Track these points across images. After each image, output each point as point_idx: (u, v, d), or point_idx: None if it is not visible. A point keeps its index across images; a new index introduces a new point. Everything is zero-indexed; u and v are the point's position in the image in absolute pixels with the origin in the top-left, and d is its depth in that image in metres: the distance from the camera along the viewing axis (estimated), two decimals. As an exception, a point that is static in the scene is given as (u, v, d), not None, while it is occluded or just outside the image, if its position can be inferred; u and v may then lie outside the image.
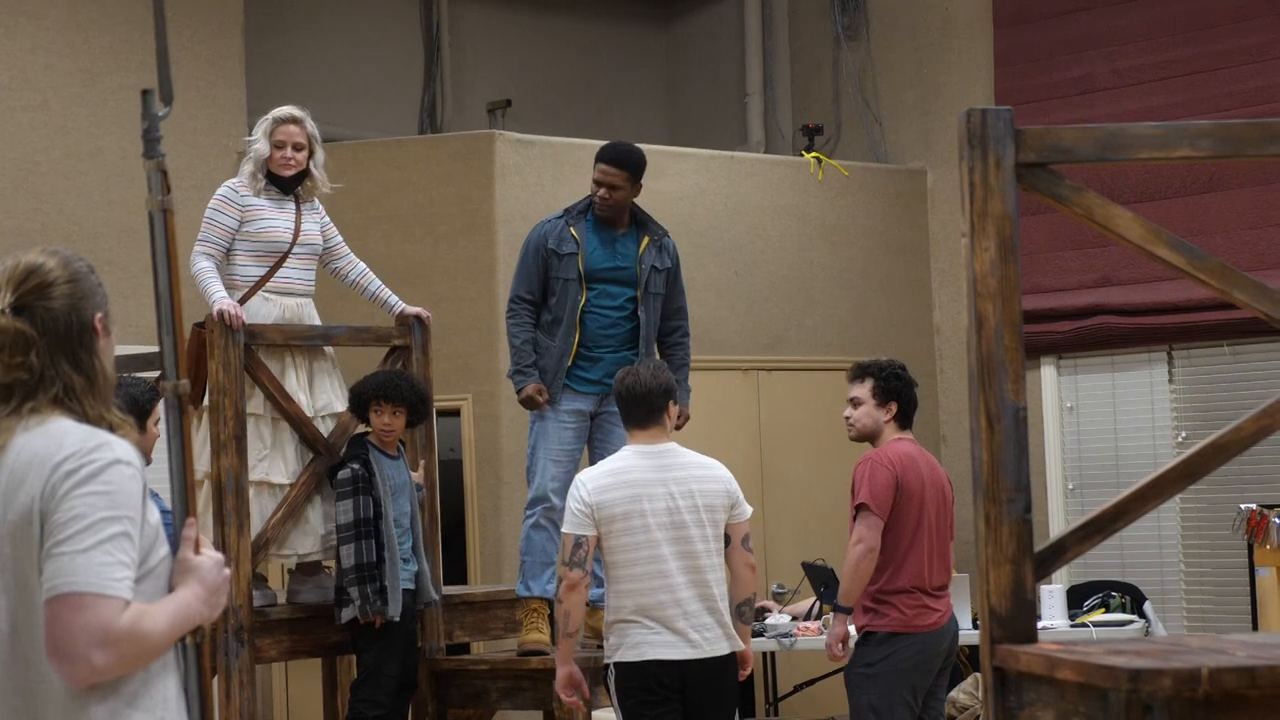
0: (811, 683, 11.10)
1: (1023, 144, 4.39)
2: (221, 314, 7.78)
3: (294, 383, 8.14)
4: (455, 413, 11.00)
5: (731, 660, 7.07)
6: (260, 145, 8.13)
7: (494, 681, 8.43)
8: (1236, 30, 11.64)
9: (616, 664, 7.00)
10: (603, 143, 8.74)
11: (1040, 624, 9.32)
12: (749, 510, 7.20)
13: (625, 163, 8.39)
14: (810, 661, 10.71)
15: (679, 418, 8.38)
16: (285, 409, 8.01)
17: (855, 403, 7.91)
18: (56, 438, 3.23)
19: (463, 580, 10.78)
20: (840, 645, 7.78)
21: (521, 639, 8.43)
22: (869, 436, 7.90)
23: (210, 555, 3.38)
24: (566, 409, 8.30)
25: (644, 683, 6.93)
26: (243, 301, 7.98)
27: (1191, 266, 4.44)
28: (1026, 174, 4.40)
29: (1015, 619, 4.33)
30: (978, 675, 9.48)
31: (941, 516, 7.79)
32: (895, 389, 7.88)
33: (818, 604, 10.18)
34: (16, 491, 3.20)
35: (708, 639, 6.97)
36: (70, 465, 3.18)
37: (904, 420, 7.89)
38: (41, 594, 3.14)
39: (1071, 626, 10.21)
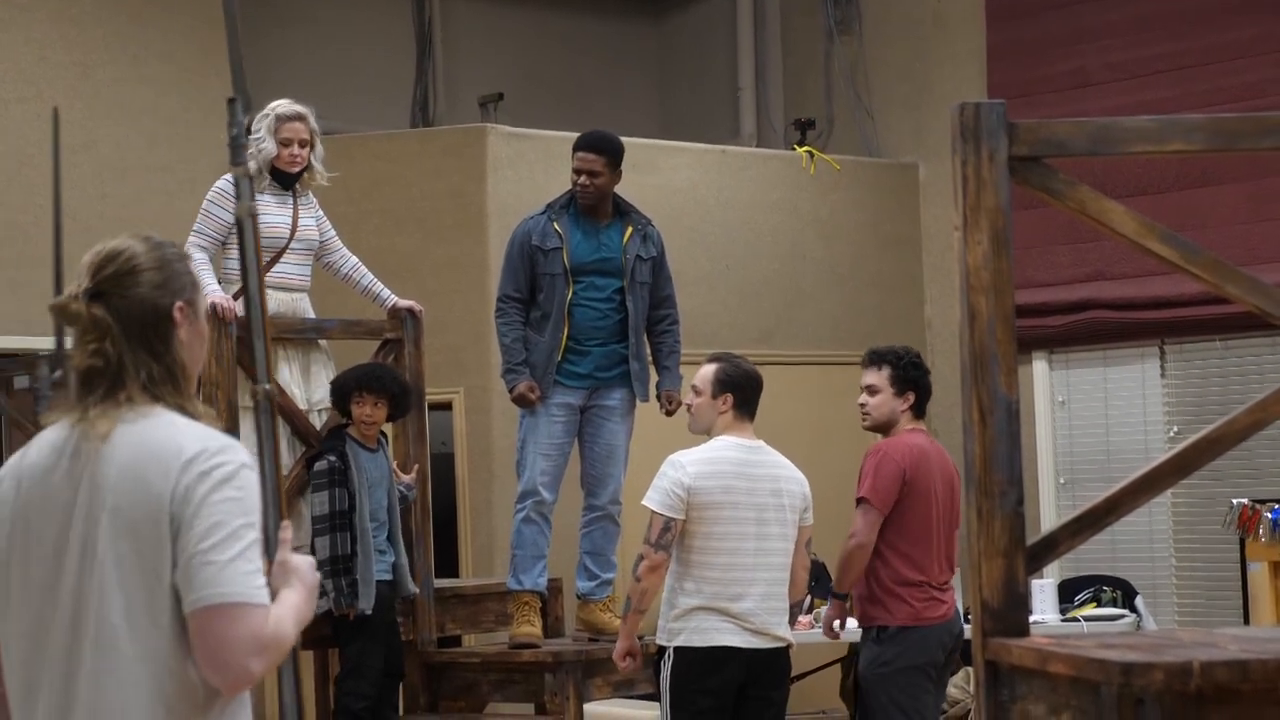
0: (803, 676, 11.10)
1: (1015, 138, 4.39)
2: (214, 306, 7.78)
3: (287, 376, 8.14)
4: (447, 406, 10.99)
5: (786, 654, 7.13)
6: (268, 145, 8.11)
7: (485, 674, 8.43)
8: (1229, 24, 11.64)
9: (678, 649, 6.99)
10: (592, 137, 8.73)
11: (1031, 618, 9.32)
12: (812, 516, 7.26)
13: (602, 148, 8.37)
14: (804, 655, 10.71)
15: (670, 402, 8.40)
16: (278, 402, 8.01)
17: (872, 390, 7.65)
18: (172, 433, 3.25)
19: (454, 573, 10.78)
20: (834, 625, 7.73)
21: (513, 632, 8.43)
22: (884, 426, 7.65)
23: (304, 557, 3.43)
24: (556, 403, 8.30)
25: (704, 669, 6.95)
26: (237, 296, 7.98)
27: (1184, 261, 4.45)
28: (1019, 168, 4.40)
29: (1007, 612, 4.33)
30: (969, 669, 9.48)
31: (950, 509, 7.65)
32: (914, 378, 7.66)
33: (810, 598, 10.18)
34: (136, 486, 3.20)
35: (770, 632, 7.01)
36: (202, 466, 3.20)
37: (919, 410, 7.70)
38: (186, 602, 3.17)
39: (1063, 620, 10.23)
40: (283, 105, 8.23)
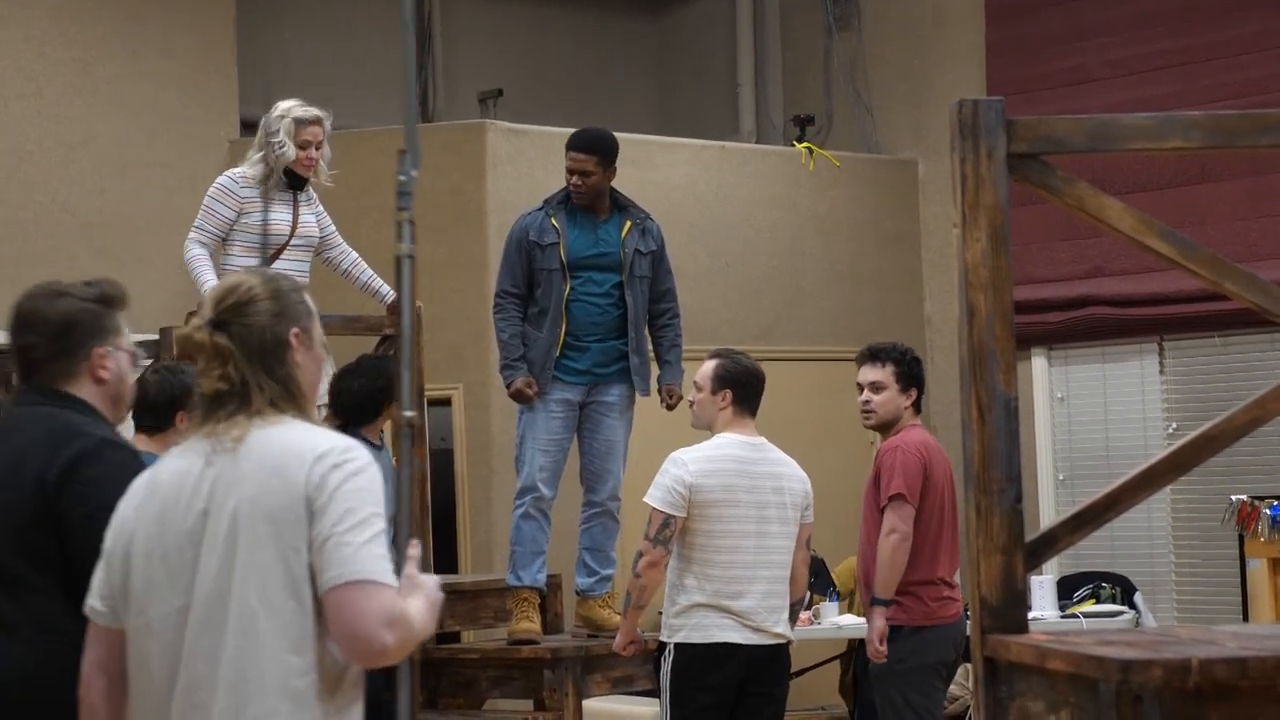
0: (802, 672, 11.11)
1: (1014, 134, 4.39)
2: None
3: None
4: (446, 402, 11.00)
5: (785, 650, 7.13)
6: (289, 149, 8.09)
7: (484, 670, 8.44)
8: (1229, 21, 11.65)
9: (679, 645, 7.00)
10: (590, 133, 8.72)
11: (1030, 615, 9.33)
12: (813, 514, 7.26)
13: (594, 147, 8.36)
14: (802, 652, 10.72)
15: (671, 397, 8.41)
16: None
17: (877, 388, 7.58)
18: (305, 433, 3.60)
19: (453, 569, 10.78)
20: (881, 640, 7.50)
21: (512, 628, 8.43)
22: (889, 424, 7.60)
23: (430, 576, 3.70)
24: (555, 399, 8.30)
25: (705, 666, 6.96)
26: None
27: (1183, 257, 4.45)
28: (1018, 164, 4.40)
29: (1006, 609, 4.33)
30: (967, 666, 9.49)
31: (954, 506, 7.63)
32: (917, 374, 7.63)
33: (808, 594, 10.19)
34: (274, 479, 3.51)
35: (770, 629, 7.02)
36: (333, 460, 3.53)
37: (918, 407, 7.68)
38: (321, 582, 3.46)
39: (1062, 617, 10.24)
40: (299, 108, 8.19)
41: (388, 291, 8.44)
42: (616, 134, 8.65)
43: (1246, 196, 11.44)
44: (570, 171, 8.37)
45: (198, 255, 7.98)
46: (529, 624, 8.38)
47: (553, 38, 14.12)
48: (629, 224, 8.43)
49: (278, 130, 8.13)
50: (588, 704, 8.55)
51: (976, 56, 12.71)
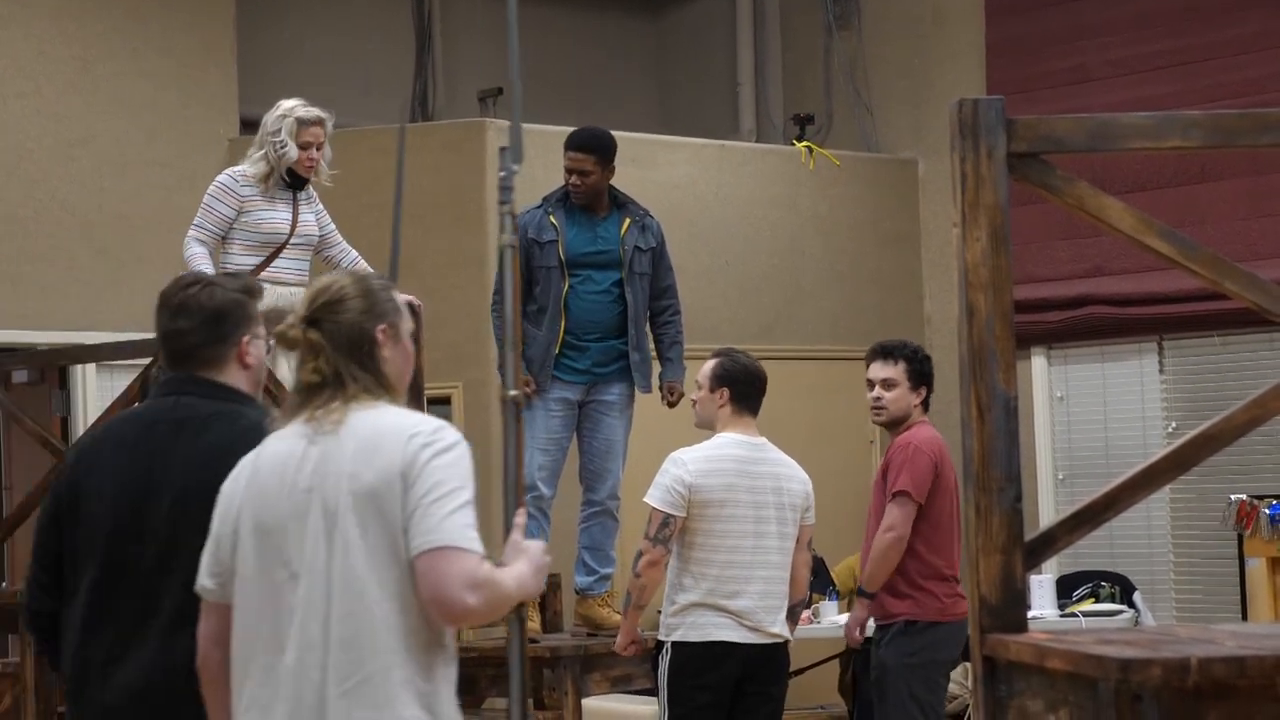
0: (801, 671, 11.11)
1: (1014, 134, 4.39)
2: (213, 301, 7.78)
3: (285, 370, 8.14)
4: (446, 401, 10.99)
5: (783, 649, 7.13)
6: (290, 149, 8.08)
7: (483, 669, 8.43)
8: (1228, 20, 11.65)
9: (676, 644, 7.01)
10: (589, 132, 8.72)
11: (1030, 614, 9.32)
12: (814, 515, 7.27)
13: (592, 147, 8.37)
14: (801, 651, 10.72)
15: (673, 394, 8.41)
16: (276, 396, 8.01)
17: (889, 385, 7.60)
18: (399, 415, 3.92)
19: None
20: (860, 630, 7.66)
21: (511, 627, 8.42)
22: (898, 421, 7.62)
23: (536, 541, 4.02)
24: (555, 398, 8.30)
25: (702, 665, 6.96)
26: (235, 290, 7.98)
27: (1183, 257, 4.45)
28: (1018, 164, 4.40)
29: (1005, 608, 4.33)
30: (966, 664, 9.49)
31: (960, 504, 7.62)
32: (927, 373, 7.65)
33: (808, 594, 10.19)
34: (373, 456, 3.83)
35: (767, 628, 7.02)
36: (424, 439, 3.85)
37: (926, 405, 7.68)
38: (410, 548, 3.78)
39: (1061, 616, 10.23)
40: (302, 108, 8.17)
41: (387, 290, 8.44)
42: (617, 133, 8.65)
43: (1246, 196, 11.44)
44: (569, 171, 8.37)
45: (197, 253, 7.98)
46: (528, 623, 8.36)
47: (553, 37, 14.12)
48: (628, 221, 8.43)
49: (279, 130, 8.11)
50: (587, 703, 8.55)
51: (976, 56, 12.71)
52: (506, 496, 4.11)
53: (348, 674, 3.80)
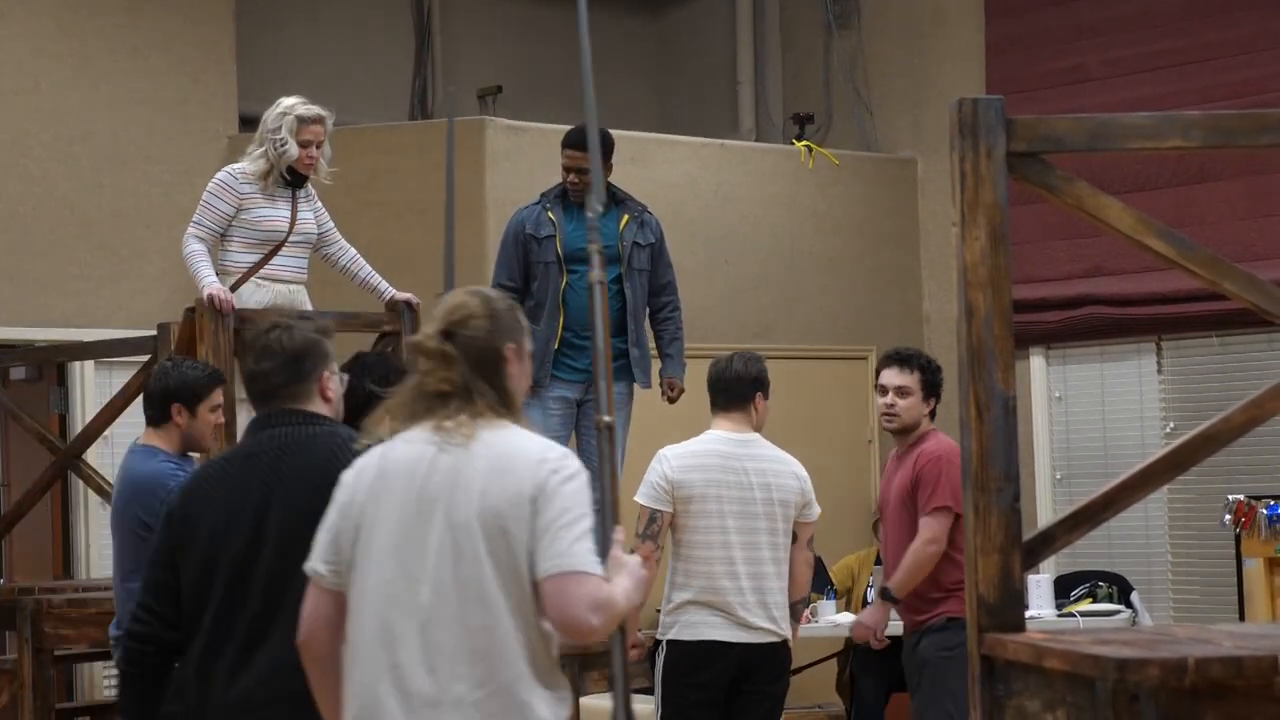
0: (799, 670, 11.11)
1: (1014, 133, 4.39)
2: (211, 298, 7.78)
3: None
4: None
5: (782, 648, 7.13)
6: (291, 148, 8.07)
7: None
8: (1228, 21, 11.65)
9: (670, 642, 7.03)
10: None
11: (1027, 613, 9.31)
12: (818, 510, 7.26)
13: (588, 144, 8.37)
14: (799, 650, 10.73)
15: (673, 389, 8.41)
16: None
17: (904, 392, 7.59)
18: (526, 440, 4.17)
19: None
20: (881, 630, 7.69)
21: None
22: (909, 429, 7.62)
23: (633, 556, 4.27)
24: (554, 397, 8.30)
25: (695, 663, 6.97)
26: (234, 288, 7.97)
27: (1181, 257, 4.45)
28: (1017, 163, 4.41)
29: (1003, 608, 4.34)
30: (965, 664, 9.48)
31: None
32: (939, 384, 7.66)
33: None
34: (504, 477, 4.07)
35: (760, 625, 7.02)
36: (552, 465, 4.10)
37: (933, 415, 7.70)
38: (538, 570, 4.02)
39: (1058, 616, 10.23)
40: (302, 106, 8.16)
41: (386, 288, 8.44)
42: (616, 132, 8.65)
43: (1245, 196, 11.44)
44: (567, 169, 8.37)
45: (196, 250, 7.97)
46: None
47: (552, 35, 14.11)
48: (627, 217, 8.43)
49: (279, 127, 8.11)
50: (585, 701, 8.54)
51: (976, 55, 12.70)
52: (603, 515, 4.30)
53: (480, 683, 4.04)
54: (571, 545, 4.02)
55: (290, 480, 4.75)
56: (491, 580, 4.05)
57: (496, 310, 4.26)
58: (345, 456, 4.47)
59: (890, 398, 7.63)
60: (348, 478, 4.25)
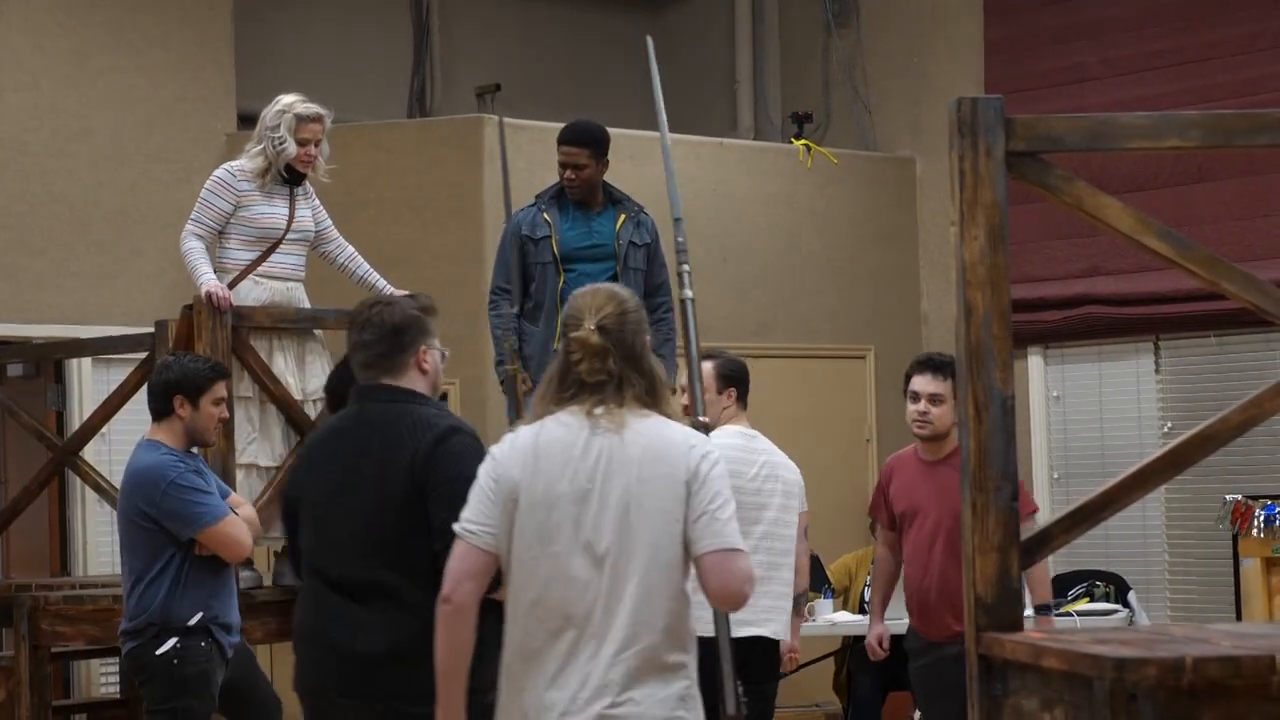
0: (796, 670, 11.11)
1: (1013, 133, 4.39)
2: (209, 296, 7.77)
3: (281, 365, 8.13)
4: (443, 397, 10.97)
5: (773, 646, 7.14)
6: (289, 146, 8.06)
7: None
8: (1227, 20, 11.65)
9: None
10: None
11: (1025, 613, 9.31)
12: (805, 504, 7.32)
13: (585, 140, 8.36)
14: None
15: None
16: (272, 392, 8.01)
17: (936, 400, 7.51)
18: (675, 429, 4.60)
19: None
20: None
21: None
22: (941, 436, 7.53)
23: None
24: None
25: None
26: (232, 285, 7.96)
27: (1180, 257, 4.45)
28: (1016, 163, 4.40)
29: (1000, 607, 4.34)
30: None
31: None
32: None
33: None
34: (658, 462, 4.51)
35: (751, 622, 7.03)
36: (701, 452, 4.55)
37: None
38: (697, 547, 4.48)
39: (1056, 615, 10.23)
40: (301, 104, 8.15)
41: (384, 286, 8.43)
42: (615, 130, 8.64)
43: (1243, 196, 11.44)
44: (563, 166, 8.36)
45: (194, 248, 7.97)
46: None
47: (550, 33, 14.12)
48: (623, 217, 8.43)
49: (278, 125, 8.09)
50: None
51: (975, 54, 12.70)
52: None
53: (625, 645, 4.47)
54: (725, 525, 4.49)
55: (374, 461, 5.26)
56: (647, 558, 4.48)
57: (639, 305, 4.70)
58: (422, 435, 5.16)
59: (923, 405, 7.54)
60: (499, 452, 4.63)
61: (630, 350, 4.61)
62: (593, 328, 4.59)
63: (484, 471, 4.64)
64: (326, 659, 5.29)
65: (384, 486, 5.23)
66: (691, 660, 4.61)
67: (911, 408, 7.60)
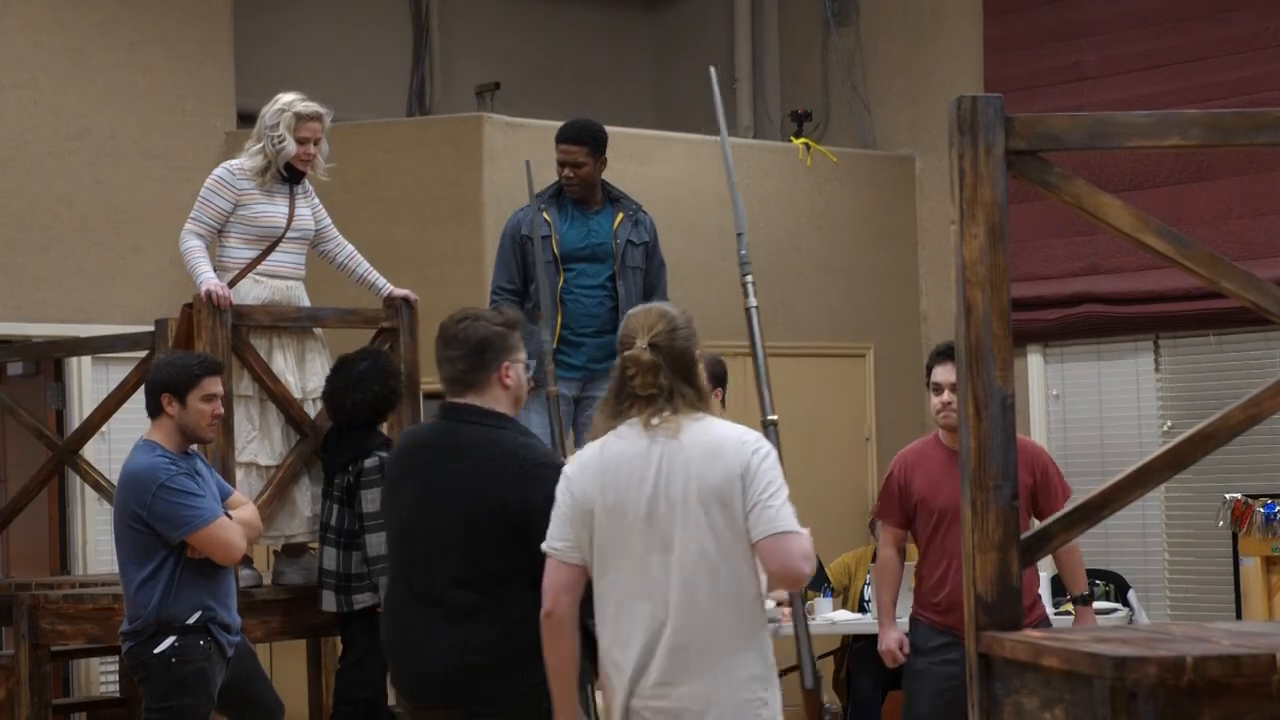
0: (793, 669, 11.09)
1: (1013, 131, 4.39)
2: (209, 294, 7.77)
3: (281, 364, 8.13)
4: (442, 396, 10.96)
5: None
6: (289, 144, 8.06)
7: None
8: (1225, 19, 11.65)
9: None
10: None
11: (1059, 605, 9.33)
12: None
13: (583, 138, 8.36)
14: (793, 648, 10.72)
15: None
16: (272, 390, 8.01)
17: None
18: (727, 428, 4.96)
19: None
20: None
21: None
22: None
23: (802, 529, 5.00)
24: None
25: None
26: (232, 284, 7.96)
27: (1179, 255, 4.45)
28: (1016, 161, 4.40)
29: (1000, 606, 4.33)
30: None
31: None
32: None
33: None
34: (714, 461, 4.87)
35: None
36: (754, 447, 4.91)
37: None
38: (755, 534, 4.84)
39: (1056, 614, 10.23)
40: (300, 103, 8.15)
41: (383, 284, 8.43)
42: (614, 128, 8.64)
43: (1242, 195, 11.44)
44: (561, 164, 8.36)
45: (194, 247, 7.96)
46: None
47: (550, 32, 14.12)
48: (621, 215, 8.44)
49: (277, 124, 8.09)
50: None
51: (974, 53, 12.70)
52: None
53: (702, 632, 4.85)
54: (779, 511, 4.84)
55: (449, 484, 5.54)
56: (714, 549, 4.84)
57: (688, 321, 5.09)
58: (512, 467, 5.47)
59: (947, 395, 7.49)
60: (571, 471, 5.04)
61: (680, 364, 4.98)
62: (645, 346, 4.96)
63: (560, 491, 5.03)
64: (409, 667, 5.60)
65: (470, 509, 5.48)
66: (764, 642, 4.94)
67: (935, 399, 7.56)
